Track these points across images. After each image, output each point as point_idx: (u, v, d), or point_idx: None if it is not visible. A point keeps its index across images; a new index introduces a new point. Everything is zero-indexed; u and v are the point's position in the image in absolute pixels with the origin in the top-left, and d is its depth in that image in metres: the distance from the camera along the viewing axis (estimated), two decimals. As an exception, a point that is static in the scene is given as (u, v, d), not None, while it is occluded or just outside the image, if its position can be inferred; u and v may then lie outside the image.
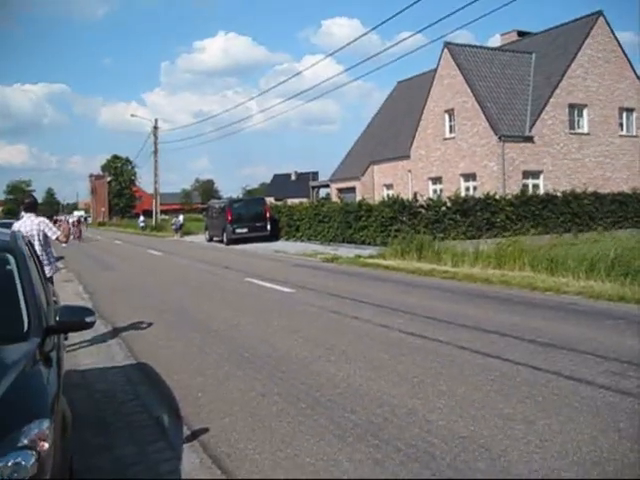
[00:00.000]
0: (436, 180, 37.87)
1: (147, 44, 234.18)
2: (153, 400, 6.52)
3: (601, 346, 7.77)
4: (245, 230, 34.17)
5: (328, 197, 52.06)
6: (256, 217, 34.57)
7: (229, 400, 6.33)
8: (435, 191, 37.02)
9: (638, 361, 7.01)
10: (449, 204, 27.09)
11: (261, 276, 17.42)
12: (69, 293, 14.92)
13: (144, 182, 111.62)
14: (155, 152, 60.75)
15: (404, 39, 67.53)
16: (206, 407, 6.16)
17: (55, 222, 49.39)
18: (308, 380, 6.89)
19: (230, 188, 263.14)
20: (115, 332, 10.28)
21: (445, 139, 36.90)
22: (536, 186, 33.66)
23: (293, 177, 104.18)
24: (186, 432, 5.53)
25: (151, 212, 63.33)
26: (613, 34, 37.42)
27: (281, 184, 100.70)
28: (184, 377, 7.28)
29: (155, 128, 61.17)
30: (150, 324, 10.90)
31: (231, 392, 6.61)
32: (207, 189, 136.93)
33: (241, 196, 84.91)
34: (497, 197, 28.28)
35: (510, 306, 11.33)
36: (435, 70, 37.92)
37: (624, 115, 37.74)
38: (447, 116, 36.82)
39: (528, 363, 7.11)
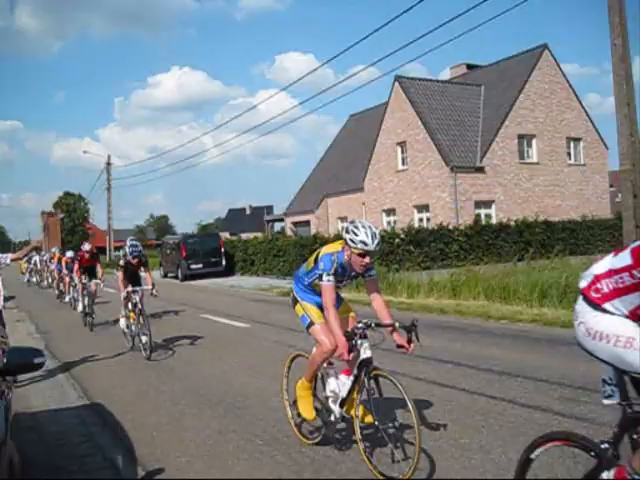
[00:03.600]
0: (390, 212, 38.16)
1: (101, 80, 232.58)
2: (107, 441, 6.38)
3: (555, 373, 7.85)
4: (200, 266, 33.95)
5: (283, 231, 52.06)
6: (211, 252, 34.41)
7: (185, 439, 6.24)
8: (389, 223, 37.28)
9: (591, 387, 7.09)
10: (403, 235, 27.28)
11: (217, 312, 17.29)
12: (22, 333, 14.63)
13: (97, 218, 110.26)
14: (108, 189, 60.15)
15: (356, 73, 68.67)
16: (161, 446, 6.05)
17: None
18: (265, 416, 6.82)
19: (185, 223, 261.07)
20: (68, 372, 10.07)
21: (398, 171, 37.27)
22: (488, 216, 34.13)
23: (248, 211, 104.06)
24: (141, 473, 5.43)
25: (105, 249, 62.50)
26: (558, 66, 38.42)
27: (236, 219, 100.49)
28: (139, 416, 7.16)
29: (108, 164, 60.64)
30: (104, 363, 10.73)
31: (187, 430, 6.52)
32: (161, 225, 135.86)
33: (195, 231, 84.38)
34: (450, 227, 28.58)
35: (465, 335, 11.40)
36: (387, 103, 38.39)
37: (571, 144, 38.61)
38: (399, 148, 37.24)
39: (484, 392, 7.15)
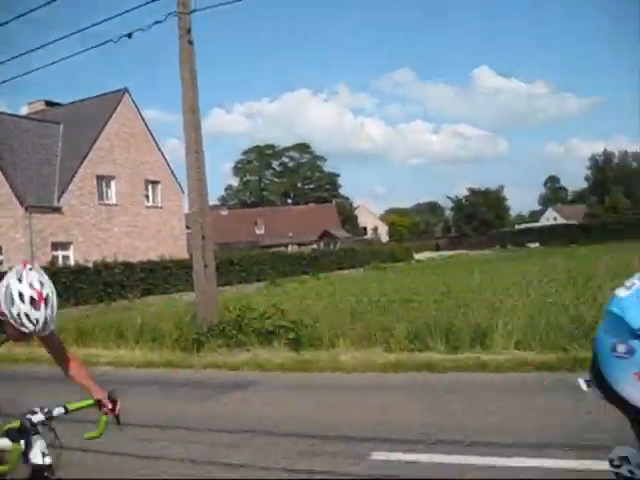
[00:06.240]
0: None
1: None
2: None
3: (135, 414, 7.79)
4: None
5: None
6: None
7: None
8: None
9: (164, 423, 7.20)
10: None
11: None
12: None
13: None
14: None
15: None
16: None
17: None
18: None
19: None
20: None
21: (-35, 209, 34.51)
22: (67, 257, 33.28)
23: None
24: None
25: None
26: (138, 111, 39.39)
27: None
28: None
29: None
30: None
31: None
32: None
33: None
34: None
35: (41, 385, 10.79)
36: (-47, 135, 35.43)
37: (150, 187, 39.67)
38: (-33, 185, 34.55)
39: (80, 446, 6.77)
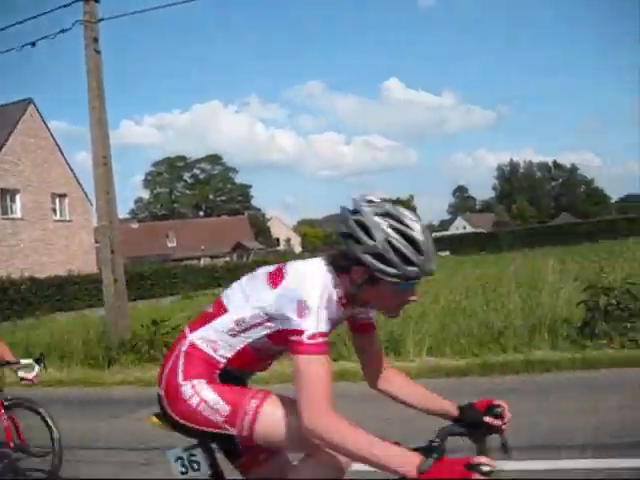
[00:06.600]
0: None
1: None
2: None
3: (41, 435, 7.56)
4: None
5: None
6: None
7: None
8: None
9: (73, 443, 6.99)
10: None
11: None
12: None
13: None
14: None
15: None
16: None
17: None
18: None
19: None
20: None
21: None
22: (-27, 274, 32.12)
23: None
24: None
25: None
26: (44, 122, 38.33)
27: None
28: None
29: None
30: None
31: None
32: None
33: None
34: None
35: None
36: None
37: (57, 201, 38.66)
38: None
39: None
